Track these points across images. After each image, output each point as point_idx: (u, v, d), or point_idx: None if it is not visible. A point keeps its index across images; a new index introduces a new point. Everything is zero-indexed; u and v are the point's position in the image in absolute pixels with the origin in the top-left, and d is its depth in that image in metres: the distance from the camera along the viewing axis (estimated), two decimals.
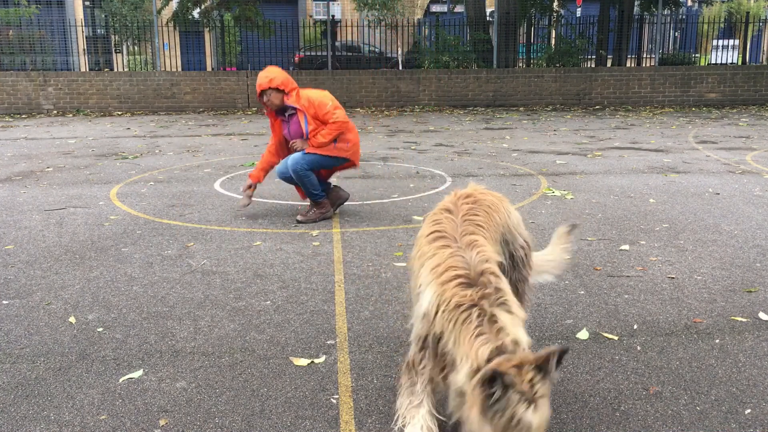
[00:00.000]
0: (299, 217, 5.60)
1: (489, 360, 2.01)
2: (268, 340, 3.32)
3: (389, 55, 20.25)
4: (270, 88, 5.40)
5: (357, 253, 4.70)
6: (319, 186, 5.60)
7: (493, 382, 1.93)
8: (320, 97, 5.54)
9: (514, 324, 2.14)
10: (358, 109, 16.30)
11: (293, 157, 5.55)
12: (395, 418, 2.36)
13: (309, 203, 5.73)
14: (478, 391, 1.97)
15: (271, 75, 5.43)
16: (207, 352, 3.19)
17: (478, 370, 2.01)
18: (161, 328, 3.47)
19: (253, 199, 5.92)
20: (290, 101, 5.45)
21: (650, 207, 6.00)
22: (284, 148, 5.71)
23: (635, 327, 3.44)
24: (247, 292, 3.98)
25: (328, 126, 5.48)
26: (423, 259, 2.39)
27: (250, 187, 5.75)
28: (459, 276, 2.24)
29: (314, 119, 5.47)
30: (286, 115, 5.55)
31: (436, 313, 2.21)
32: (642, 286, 4.02)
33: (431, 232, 2.46)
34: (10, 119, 15.00)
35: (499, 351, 2.04)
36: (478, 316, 2.13)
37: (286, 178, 5.62)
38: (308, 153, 5.51)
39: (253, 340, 3.32)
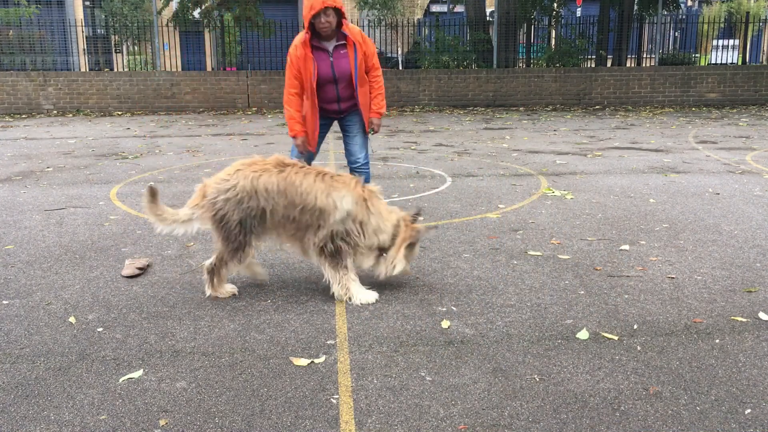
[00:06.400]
0: None
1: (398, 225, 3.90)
2: (268, 340, 3.32)
3: (389, 55, 20.24)
4: (335, 6, 4.48)
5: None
6: None
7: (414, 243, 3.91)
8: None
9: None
10: None
11: (365, 155, 4.98)
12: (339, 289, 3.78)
13: None
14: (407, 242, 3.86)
15: None
16: (207, 352, 3.19)
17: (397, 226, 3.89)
18: (161, 328, 3.48)
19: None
20: (345, 29, 4.63)
21: (650, 207, 6.00)
22: (314, 92, 4.73)
23: (635, 327, 3.44)
24: (247, 292, 3.98)
25: (378, 80, 4.85)
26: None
27: (303, 147, 4.89)
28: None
29: (363, 56, 4.72)
30: (331, 47, 4.65)
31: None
32: (642, 286, 4.02)
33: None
34: (10, 119, 15.00)
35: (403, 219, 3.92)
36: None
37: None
38: (366, 134, 4.93)
39: (253, 340, 3.32)
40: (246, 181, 3.69)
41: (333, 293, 3.82)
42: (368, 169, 5.15)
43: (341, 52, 4.66)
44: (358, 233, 3.78)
